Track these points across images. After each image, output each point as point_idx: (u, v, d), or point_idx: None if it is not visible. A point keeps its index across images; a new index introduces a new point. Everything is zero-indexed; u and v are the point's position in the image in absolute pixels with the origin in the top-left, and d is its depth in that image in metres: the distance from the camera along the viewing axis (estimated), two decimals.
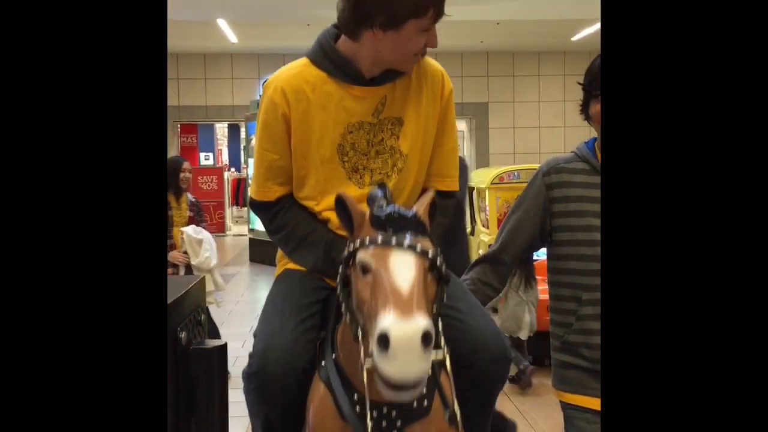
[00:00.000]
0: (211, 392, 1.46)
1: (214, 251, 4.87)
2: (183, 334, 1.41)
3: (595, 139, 1.97)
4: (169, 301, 1.37)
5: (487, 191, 7.10)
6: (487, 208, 7.17)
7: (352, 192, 1.68)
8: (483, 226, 7.36)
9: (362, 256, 1.39)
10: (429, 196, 1.53)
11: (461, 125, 16.41)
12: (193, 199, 5.30)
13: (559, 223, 1.90)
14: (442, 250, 1.47)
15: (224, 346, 1.50)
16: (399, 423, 1.53)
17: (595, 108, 1.83)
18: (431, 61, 1.81)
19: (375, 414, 1.50)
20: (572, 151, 1.97)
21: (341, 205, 1.48)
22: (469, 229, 7.99)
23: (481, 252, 7.44)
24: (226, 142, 19.61)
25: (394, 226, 1.40)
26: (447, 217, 1.86)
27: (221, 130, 19.25)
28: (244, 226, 14.29)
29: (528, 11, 10.57)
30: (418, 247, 1.37)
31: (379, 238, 1.38)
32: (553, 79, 14.42)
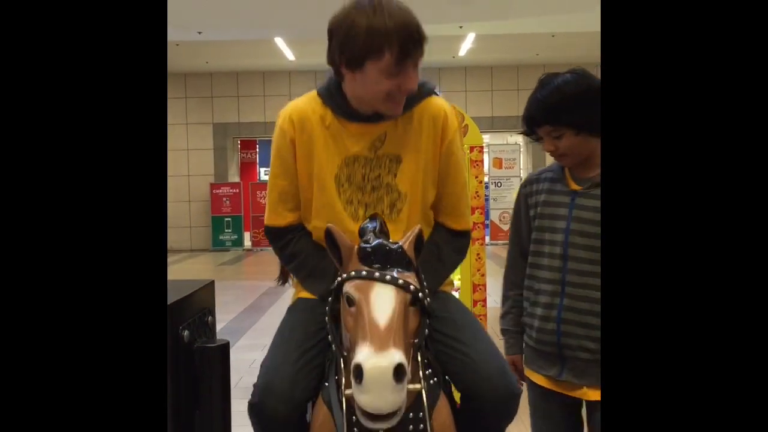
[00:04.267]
0: (213, 388, 1.54)
1: None
2: (185, 333, 1.50)
3: None
4: (172, 301, 1.46)
5: None
6: None
7: (347, 224, 1.73)
8: None
9: (347, 288, 1.45)
10: (415, 231, 1.57)
11: (518, 138, 16.29)
12: None
13: (533, 226, 2.09)
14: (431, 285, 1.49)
15: (226, 345, 1.58)
16: None
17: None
18: (436, 102, 1.81)
19: None
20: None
21: (330, 238, 1.54)
22: None
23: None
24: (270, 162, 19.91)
25: (379, 259, 1.46)
26: (462, 255, 1.90)
27: None
28: None
29: (584, 23, 10.46)
30: (400, 281, 1.43)
31: (364, 271, 1.45)
32: None
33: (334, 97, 1.77)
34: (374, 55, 1.59)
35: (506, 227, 13.99)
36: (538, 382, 2.03)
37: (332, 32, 1.66)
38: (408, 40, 1.59)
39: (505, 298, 2.14)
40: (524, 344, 2.09)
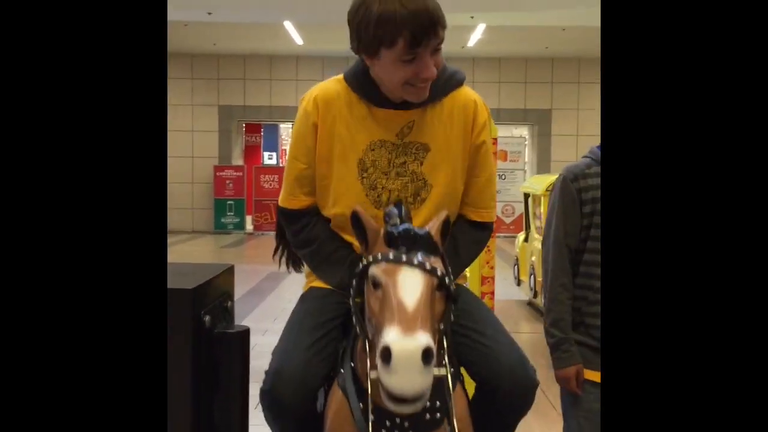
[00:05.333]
0: (232, 374, 1.53)
1: None
2: (207, 318, 1.49)
3: None
4: (194, 286, 1.45)
5: (542, 197, 7.03)
6: (542, 215, 7.10)
7: (369, 209, 1.71)
8: (537, 233, 7.29)
9: (374, 271, 1.45)
10: (442, 217, 1.57)
11: (523, 131, 16.26)
12: None
13: (585, 223, 2.05)
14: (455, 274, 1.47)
15: (247, 332, 1.57)
16: None
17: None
18: (466, 91, 1.80)
19: (388, 423, 1.54)
20: (587, 157, 2.10)
21: (357, 221, 1.54)
22: (523, 236, 7.93)
23: (533, 259, 7.38)
24: (289, 143, 19.93)
25: (406, 243, 1.45)
26: (480, 247, 1.89)
27: (285, 130, 19.58)
28: None
29: (594, 17, 10.38)
30: (427, 265, 1.43)
31: (391, 254, 1.44)
32: None
33: (361, 82, 1.74)
34: (387, 42, 1.58)
35: (509, 220, 13.99)
36: (592, 378, 1.99)
37: (350, 20, 1.64)
38: (420, 28, 1.57)
39: (556, 302, 2.04)
40: (582, 345, 2.04)
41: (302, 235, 1.81)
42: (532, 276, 7.15)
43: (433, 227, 1.53)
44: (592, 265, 2.02)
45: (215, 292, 1.59)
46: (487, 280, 3.90)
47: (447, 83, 1.75)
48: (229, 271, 1.73)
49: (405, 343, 1.29)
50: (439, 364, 1.45)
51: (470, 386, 1.78)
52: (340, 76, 1.79)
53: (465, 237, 1.82)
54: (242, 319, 6.20)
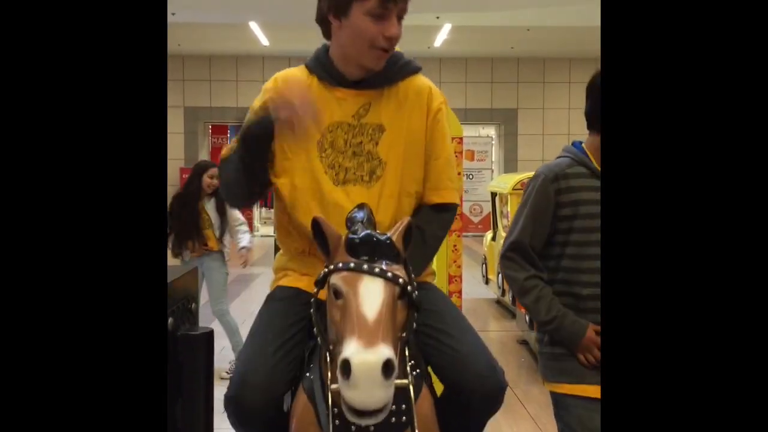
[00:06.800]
0: (196, 377, 1.52)
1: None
2: (170, 320, 1.47)
3: (581, 141, 2.07)
4: None
5: (509, 196, 7.09)
6: (509, 213, 7.16)
7: (327, 186, 1.76)
8: (505, 231, 7.35)
9: (335, 280, 1.42)
10: (405, 222, 1.55)
11: (490, 131, 16.38)
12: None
13: (561, 227, 1.97)
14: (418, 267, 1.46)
15: (211, 333, 1.56)
16: None
17: None
18: (421, 79, 1.88)
19: (354, 428, 1.51)
20: (565, 156, 2.02)
21: (317, 228, 1.51)
22: (491, 235, 7.99)
23: None
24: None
25: (367, 251, 1.43)
26: (443, 231, 1.89)
27: None
28: (272, 227, 14.35)
29: (559, 18, 10.55)
30: (389, 274, 1.41)
31: (352, 263, 1.42)
32: (584, 86, 14.29)
33: (321, 62, 1.82)
34: None
35: (477, 219, 14.09)
36: (595, 396, 1.86)
37: None
38: None
39: (536, 290, 1.97)
40: (566, 359, 1.96)
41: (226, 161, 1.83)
42: (500, 274, 7.21)
43: (395, 233, 1.51)
44: (574, 272, 1.95)
45: (178, 294, 1.57)
46: (454, 278, 3.91)
47: (403, 68, 1.83)
48: (193, 273, 1.72)
49: (365, 356, 1.27)
50: (402, 374, 1.42)
51: (438, 384, 1.77)
52: (301, 66, 1.87)
53: (431, 226, 1.84)
54: (210, 322, 6.13)
